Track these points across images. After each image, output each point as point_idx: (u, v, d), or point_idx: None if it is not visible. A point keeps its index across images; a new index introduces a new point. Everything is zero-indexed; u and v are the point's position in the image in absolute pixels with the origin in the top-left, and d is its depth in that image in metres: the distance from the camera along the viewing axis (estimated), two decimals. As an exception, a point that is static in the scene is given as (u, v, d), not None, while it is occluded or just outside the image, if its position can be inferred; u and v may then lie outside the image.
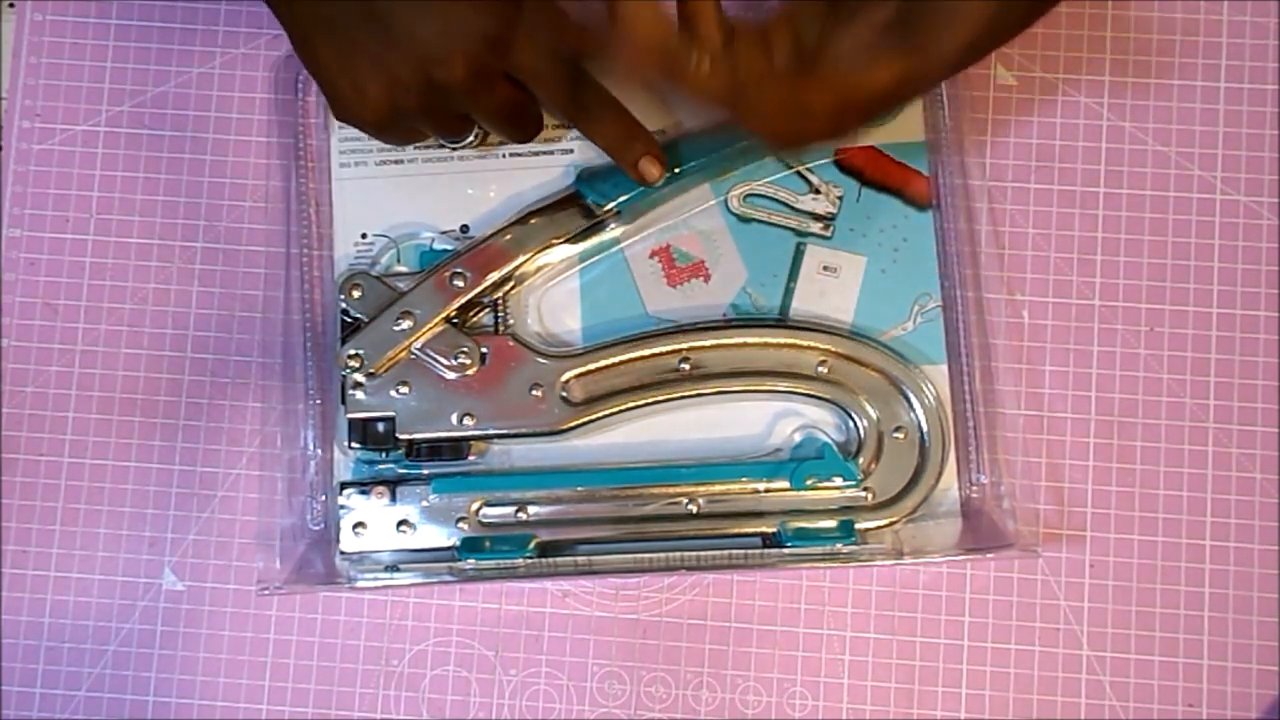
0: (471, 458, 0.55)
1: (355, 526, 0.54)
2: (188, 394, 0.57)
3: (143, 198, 0.58)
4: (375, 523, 0.54)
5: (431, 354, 0.54)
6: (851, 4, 0.44)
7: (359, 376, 0.54)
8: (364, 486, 0.54)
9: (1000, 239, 0.57)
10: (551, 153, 0.57)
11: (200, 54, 0.58)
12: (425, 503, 0.54)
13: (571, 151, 0.56)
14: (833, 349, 0.54)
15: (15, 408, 0.57)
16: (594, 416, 0.54)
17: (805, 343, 0.54)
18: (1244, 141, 0.57)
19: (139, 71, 0.58)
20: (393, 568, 0.54)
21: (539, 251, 0.54)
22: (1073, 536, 0.55)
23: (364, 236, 0.56)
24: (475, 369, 0.54)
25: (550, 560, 0.53)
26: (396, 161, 0.56)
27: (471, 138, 0.54)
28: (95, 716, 0.56)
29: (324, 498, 0.55)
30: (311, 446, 0.55)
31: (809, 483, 0.54)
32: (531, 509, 0.54)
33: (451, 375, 0.54)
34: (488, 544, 0.53)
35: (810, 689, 0.55)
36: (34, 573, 0.56)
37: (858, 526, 0.53)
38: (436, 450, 0.54)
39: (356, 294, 0.54)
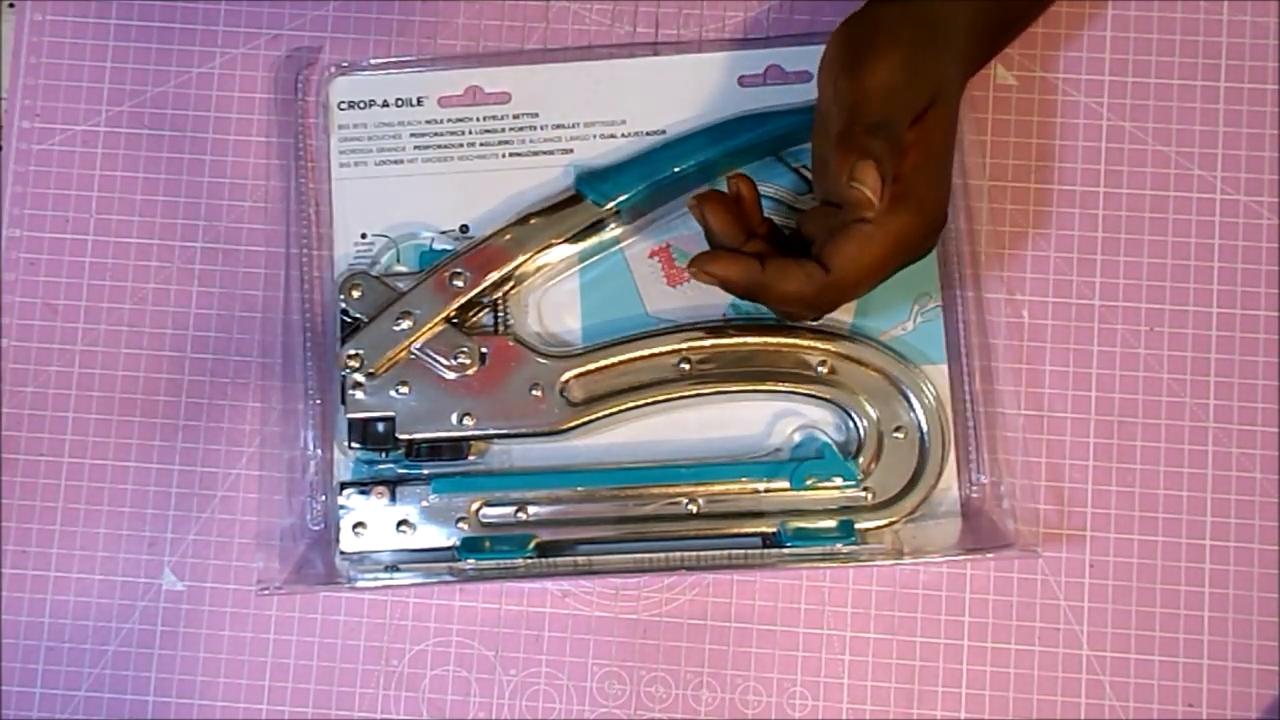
0: (471, 458, 0.55)
1: (355, 526, 0.54)
2: (188, 394, 0.57)
3: (143, 198, 0.58)
4: (375, 523, 0.54)
5: (431, 354, 0.54)
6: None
7: (359, 376, 0.54)
8: (364, 486, 0.54)
9: (1000, 239, 0.57)
10: (551, 153, 0.57)
11: (200, 54, 0.58)
12: (425, 503, 0.54)
13: (571, 151, 0.57)
14: (833, 349, 0.54)
15: (15, 408, 0.57)
16: (594, 416, 0.54)
17: (805, 343, 0.54)
18: (1244, 141, 0.57)
19: (139, 71, 0.58)
20: (393, 568, 0.54)
21: (539, 251, 0.54)
22: (1073, 536, 0.55)
23: (364, 236, 0.56)
24: (475, 369, 0.54)
25: (550, 560, 0.53)
26: (396, 162, 0.56)
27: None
28: (95, 716, 0.56)
29: (324, 498, 0.55)
30: (311, 446, 0.55)
31: (809, 483, 0.54)
32: (531, 509, 0.54)
33: (451, 375, 0.54)
34: (488, 544, 0.53)
35: (810, 689, 0.55)
36: (34, 573, 0.56)
37: (858, 526, 0.53)
38: (436, 450, 0.54)
39: (356, 294, 0.54)
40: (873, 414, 0.54)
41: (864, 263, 0.49)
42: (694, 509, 0.54)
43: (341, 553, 0.54)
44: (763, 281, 0.50)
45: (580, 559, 0.54)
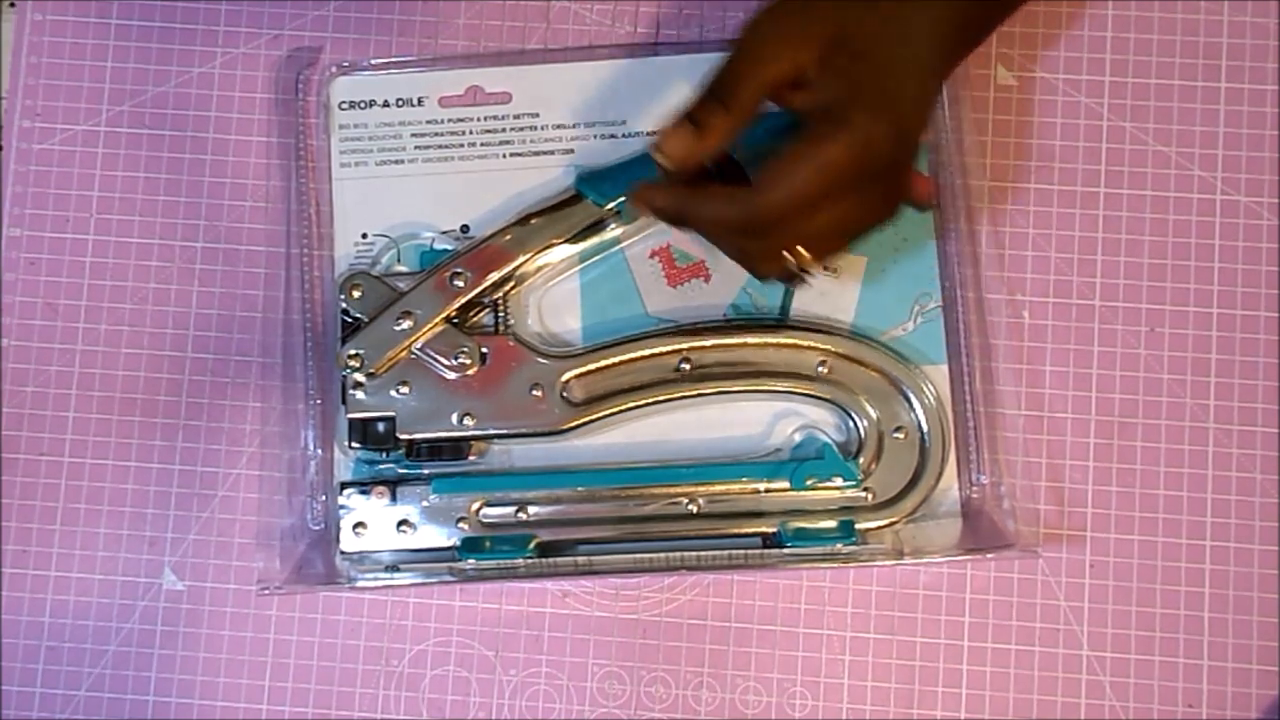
0: (471, 458, 0.55)
1: (355, 526, 0.54)
2: (188, 394, 0.57)
3: (143, 198, 0.58)
4: (375, 523, 0.54)
5: (431, 354, 0.54)
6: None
7: (359, 376, 0.54)
8: (364, 486, 0.54)
9: (1000, 239, 0.57)
10: (551, 153, 0.57)
11: (200, 54, 0.58)
12: (425, 503, 0.54)
13: (571, 151, 0.57)
14: (833, 349, 0.54)
15: (15, 408, 0.57)
16: (594, 416, 0.54)
17: (805, 343, 0.54)
18: (1244, 141, 0.57)
19: (139, 71, 0.58)
20: (393, 568, 0.54)
21: (539, 251, 0.54)
22: (1073, 536, 0.55)
23: (364, 236, 0.56)
24: (475, 369, 0.54)
25: (550, 560, 0.53)
26: (396, 162, 0.56)
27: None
28: (95, 716, 0.56)
29: (324, 498, 0.55)
30: (311, 446, 0.55)
31: (809, 483, 0.54)
32: (532, 509, 0.54)
33: (451, 375, 0.54)
34: (488, 544, 0.53)
35: (810, 689, 0.55)
36: (34, 573, 0.56)
37: (858, 527, 0.53)
38: (436, 450, 0.54)
39: (356, 294, 0.54)
40: (873, 414, 0.54)
41: (789, 184, 0.47)
42: (694, 509, 0.54)
43: (342, 553, 0.54)
44: (688, 206, 0.50)
45: (580, 559, 0.54)
